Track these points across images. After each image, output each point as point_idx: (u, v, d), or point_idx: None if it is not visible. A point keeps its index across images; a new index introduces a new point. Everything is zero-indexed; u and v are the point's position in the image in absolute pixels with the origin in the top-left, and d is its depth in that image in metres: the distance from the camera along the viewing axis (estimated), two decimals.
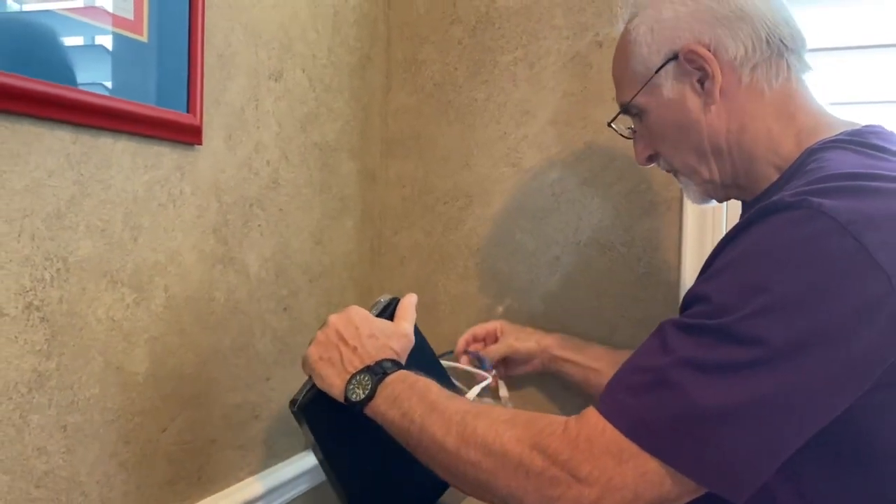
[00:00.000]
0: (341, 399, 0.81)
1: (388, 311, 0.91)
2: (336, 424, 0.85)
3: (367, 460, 0.88)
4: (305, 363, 0.86)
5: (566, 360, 1.08)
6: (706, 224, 1.16)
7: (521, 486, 0.65)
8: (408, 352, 0.87)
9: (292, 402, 0.86)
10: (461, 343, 1.11)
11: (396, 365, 0.82)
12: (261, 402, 1.05)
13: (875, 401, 0.62)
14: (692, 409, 0.61)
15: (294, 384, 1.12)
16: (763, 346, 0.60)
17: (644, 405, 0.63)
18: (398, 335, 0.87)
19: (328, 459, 0.86)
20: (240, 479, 1.02)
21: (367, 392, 0.79)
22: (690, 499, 0.65)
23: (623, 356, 1.00)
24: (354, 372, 0.81)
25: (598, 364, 1.06)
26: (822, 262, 0.60)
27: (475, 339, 1.12)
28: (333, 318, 0.86)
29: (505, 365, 1.13)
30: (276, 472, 1.08)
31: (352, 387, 0.80)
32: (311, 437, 0.85)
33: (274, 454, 1.09)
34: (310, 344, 0.86)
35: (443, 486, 0.94)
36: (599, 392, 0.68)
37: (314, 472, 1.14)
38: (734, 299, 0.62)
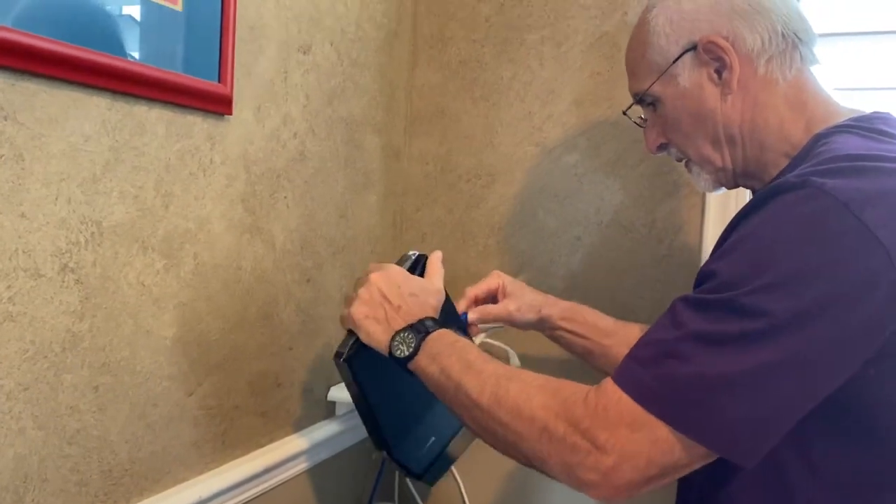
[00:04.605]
0: (386, 354, 0.86)
1: (419, 267, 0.96)
2: (376, 374, 0.92)
3: (400, 405, 0.95)
4: (350, 320, 0.89)
5: (569, 332, 1.06)
6: (728, 207, 1.16)
7: (545, 449, 0.69)
8: (440, 307, 0.92)
9: (338, 355, 0.91)
10: (462, 308, 1.05)
11: (437, 323, 0.86)
12: (283, 371, 1.07)
13: (877, 371, 0.64)
14: (699, 377, 0.64)
15: (316, 355, 1.14)
16: (768, 317, 0.62)
17: (654, 375, 0.66)
18: (434, 293, 0.92)
19: (369, 404, 0.93)
20: (261, 445, 1.04)
21: (411, 349, 0.83)
22: (703, 464, 0.67)
23: (632, 330, 0.99)
24: (399, 329, 0.85)
25: (608, 340, 1.04)
26: (824, 239, 0.63)
27: (476, 302, 1.07)
28: (375, 277, 0.89)
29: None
30: (297, 439, 1.10)
31: (396, 343, 0.85)
32: (354, 385, 0.92)
33: (295, 422, 1.11)
34: (347, 303, 0.90)
35: (457, 428, 1.00)
36: (603, 363, 0.71)
37: (333, 441, 1.17)
38: (741, 275, 0.65)
